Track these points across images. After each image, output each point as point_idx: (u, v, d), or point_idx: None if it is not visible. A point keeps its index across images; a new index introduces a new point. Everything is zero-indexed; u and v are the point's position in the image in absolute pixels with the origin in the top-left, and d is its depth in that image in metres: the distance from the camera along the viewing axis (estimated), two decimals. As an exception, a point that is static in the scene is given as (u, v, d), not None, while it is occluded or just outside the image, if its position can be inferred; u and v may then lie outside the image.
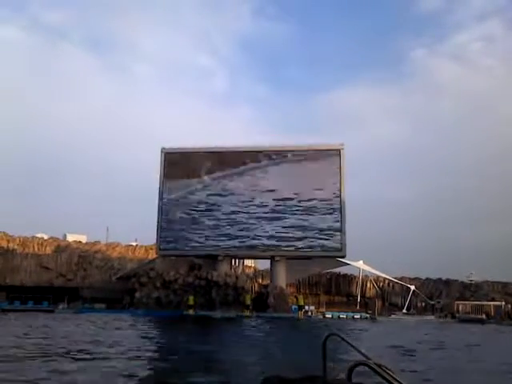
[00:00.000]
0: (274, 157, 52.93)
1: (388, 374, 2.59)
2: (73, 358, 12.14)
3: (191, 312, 44.51)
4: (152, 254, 55.95)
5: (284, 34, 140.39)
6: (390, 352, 15.46)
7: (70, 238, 61.64)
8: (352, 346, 3.35)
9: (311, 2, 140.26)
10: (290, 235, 50.48)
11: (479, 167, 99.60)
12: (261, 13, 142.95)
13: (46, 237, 59.30)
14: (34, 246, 55.80)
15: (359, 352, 3.18)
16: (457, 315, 48.37)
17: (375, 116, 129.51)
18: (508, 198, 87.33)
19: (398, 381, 2.56)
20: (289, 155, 52.82)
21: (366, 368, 2.68)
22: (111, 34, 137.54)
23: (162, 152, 54.23)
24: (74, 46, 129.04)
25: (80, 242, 60.43)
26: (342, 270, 56.43)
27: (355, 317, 46.08)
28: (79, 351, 13.67)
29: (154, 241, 53.12)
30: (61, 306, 46.10)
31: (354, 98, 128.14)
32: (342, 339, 3.48)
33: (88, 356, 12.70)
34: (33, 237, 57.89)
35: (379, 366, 2.63)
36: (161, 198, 52.89)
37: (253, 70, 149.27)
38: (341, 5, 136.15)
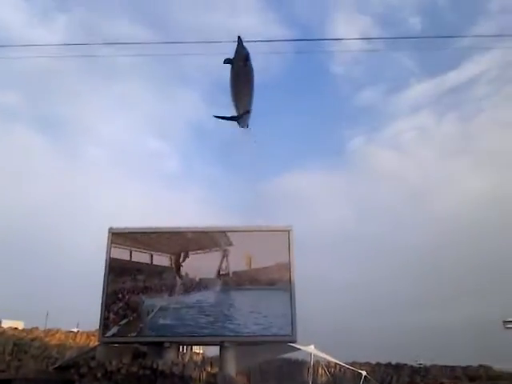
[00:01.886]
0: (223, 238, 53.18)
1: None
2: None
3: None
4: (94, 341, 52.99)
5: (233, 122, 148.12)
6: None
7: (6, 324, 57.70)
8: None
9: (260, 92, 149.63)
10: (239, 320, 49.53)
11: (420, 251, 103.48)
12: (213, 101, 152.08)
13: (-22, 324, 55.37)
14: (-36, 337, 51.75)
15: None
16: (409, 401, 47.94)
17: (322, 200, 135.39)
18: (451, 283, 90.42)
19: None
20: (234, 237, 53.17)
21: None
22: (63, 116, 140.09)
23: (109, 232, 53.26)
24: (24, 125, 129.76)
25: (16, 328, 56.61)
26: (293, 355, 55.21)
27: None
28: None
29: (97, 326, 50.56)
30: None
31: (301, 182, 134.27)
32: None
33: None
34: (-36, 324, 53.86)
35: None
36: (106, 281, 51.15)
37: (204, 154, 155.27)
38: (289, 95, 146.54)
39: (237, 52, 15.48)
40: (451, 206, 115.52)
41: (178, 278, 52.00)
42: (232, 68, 15.41)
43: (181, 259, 53.47)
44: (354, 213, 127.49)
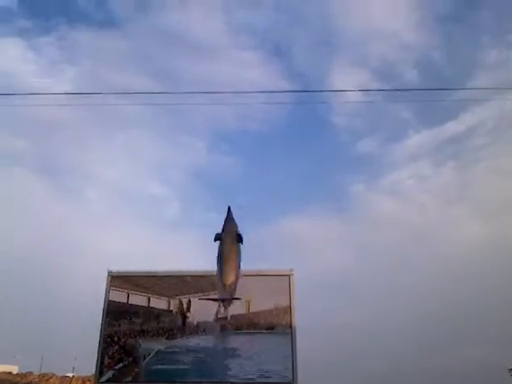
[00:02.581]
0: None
1: None
2: None
3: None
4: (90, 387, 51.55)
5: (235, 169, 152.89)
6: None
7: (0, 368, 56.45)
8: None
9: (262, 141, 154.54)
10: (239, 365, 48.51)
11: (420, 292, 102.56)
12: (215, 149, 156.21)
13: (-28, 368, 54.15)
14: (-44, 380, 50.35)
15: None
16: None
17: (321, 244, 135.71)
18: (453, 322, 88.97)
19: None
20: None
21: None
22: (66, 162, 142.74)
23: (108, 275, 52.90)
24: (25, 169, 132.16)
25: (10, 372, 55.24)
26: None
27: None
28: None
29: (93, 371, 49.37)
30: None
31: (301, 227, 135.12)
32: None
33: None
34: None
35: None
36: (104, 324, 50.45)
37: (204, 198, 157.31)
38: (290, 144, 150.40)
39: (226, 225, 13.98)
40: (450, 250, 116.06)
41: (179, 322, 51.40)
42: (220, 245, 13.85)
43: (185, 306, 53.05)
44: (355, 256, 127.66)
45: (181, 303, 53.62)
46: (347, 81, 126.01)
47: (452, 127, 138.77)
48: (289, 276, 54.39)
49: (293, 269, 55.19)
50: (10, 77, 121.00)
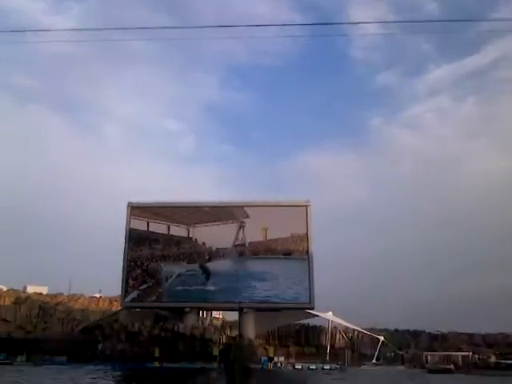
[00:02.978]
0: (240, 211, 53.77)
1: None
2: None
3: (157, 364, 42.96)
4: (116, 306, 54.28)
5: (248, 103, 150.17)
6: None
7: (31, 289, 59.27)
8: None
9: (275, 75, 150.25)
10: (258, 287, 50.41)
11: (439, 222, 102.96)
12: (227, 84, 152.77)
13: (4, 288, 56.88)
14: (-9, 298, 53.30)
15: None
16: (426, 365, 48.27)
17: (338, 178, 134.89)
18: (472, 251, 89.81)
19: None
20: (251, 211, 53.63)
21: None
22: (81, 98, 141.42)
23: (128, 206, 54.54)
24: (43, 106, 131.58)
25: (41, 293, 58.19)
26: (312, 321, 55.99)
27: (325, 367, 45.35)
28: None
29: (119, 292, 51.74)
30: (19, 359, 43.69)
31: (318, 160, 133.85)
32: None
33: None
34: (-10, 288, 55.40)
35: None
36: (126, 249, 52.37)
37: (219, 133, 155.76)
38: (304, 78, 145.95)
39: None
40: (470, 182, 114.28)
41: (199, 248, 53.10)
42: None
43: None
44: (372, 189, 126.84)
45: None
46: (365, 13, 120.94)
47: (474, 60, 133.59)
48: (306, 207, 55.31)
49: (309, 200, 55.91)
50: (19, 14, 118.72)
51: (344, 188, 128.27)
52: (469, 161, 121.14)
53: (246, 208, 53.79)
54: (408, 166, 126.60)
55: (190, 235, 55.16)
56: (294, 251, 53.11)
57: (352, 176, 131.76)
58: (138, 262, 53.07)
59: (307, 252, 52.83)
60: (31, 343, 46.52)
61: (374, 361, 50.33)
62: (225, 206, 54.64)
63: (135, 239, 53.63)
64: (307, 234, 53.39)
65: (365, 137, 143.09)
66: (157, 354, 44.28)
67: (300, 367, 45.20)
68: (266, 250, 52.88)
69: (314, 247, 52.94)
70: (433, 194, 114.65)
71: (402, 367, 47.56)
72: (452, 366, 47.62)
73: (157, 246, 54.15)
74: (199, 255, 53.58)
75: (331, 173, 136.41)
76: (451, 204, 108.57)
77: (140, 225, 54.79)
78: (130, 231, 53.74)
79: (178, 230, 55.34)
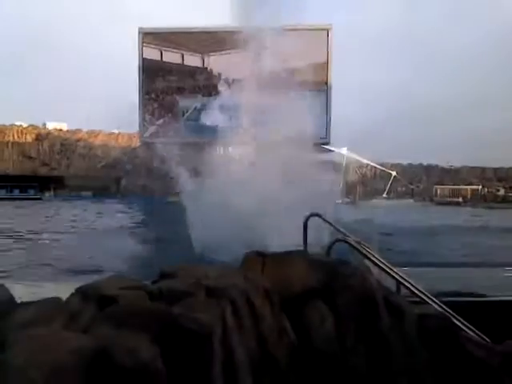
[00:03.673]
0: (256, 38, 49.98)
1: (366, 250, 2.66)
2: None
3: (177, 199, 45.48)
4: (135, 142, 55.25)
5: None
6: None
7: (50, 125, 59.82)
8: (332, 225, 3.42)
9: None
10: (273, 122, 49.67)
11: (474, 52, 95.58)
12: None
13: (24, 125, 57.60)
14: (13, 135, 54.45)
15: (339, 231, 3.23)
16: (434, 198, 50.10)
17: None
18: (489, 84, 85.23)
19: (374, 256, 2.64)
20: (268, 38, 49.78)
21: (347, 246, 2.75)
22: None
23: (139, 33, 50.95)
24: None
25: (61, 129, 58.91)
26: (326, 157, 56.77)
27: (336, 201, 47.42)
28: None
29: (136, 128, 52.15)
30: (47, 194, 46.47)
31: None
32: (323, 219, 3.50)
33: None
34: (11, 125, 56.25)
35: (358, 242, 2.71)
36: (141, 80, 50.87)
37: None
38: None
39: None
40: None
41: (210, 78, 50.91)
42: None
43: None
44: (404, 9, 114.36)
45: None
46: None
47: None
48: (327, 30, 50.54)
49: (331, 24, 50.81)
50: None
51: (371, 6, 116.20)
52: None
53: (263, 34, 50.03)
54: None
55: (205, 65, 52.71)
56: (313, 83, 50.74)
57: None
58: (153, 95, 52.07)
59: (326, 83, 50.60)
60: (57, 180, 49.20)
61: (384, 195, 52.31)
62: (240, 31, 50.90)
63: (148, 70, 51.54)
64: (327, 62, 50.37)
65: None
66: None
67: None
68: (284, 82, 50.55)
69: (335, 77, 50.43)
70: (472, 22, 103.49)
71: (411, 200, 49.40)
72: (460, 199, 49.36)
73: (171, 77, 52.25)
74: (214, 87, 51.94)
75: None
76: (491, 37, 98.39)
77: (153, 54, 52.17)
78: (143, 61, 51.55)
79: (192, 60, 52.70)
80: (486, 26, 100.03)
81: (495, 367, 2.16)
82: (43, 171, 51.92)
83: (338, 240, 2.82)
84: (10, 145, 52.67)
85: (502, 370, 2.17)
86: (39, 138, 55.85)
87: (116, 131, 60.88)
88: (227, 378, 1.48)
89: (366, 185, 55.84)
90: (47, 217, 24.51)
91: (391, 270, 2.60)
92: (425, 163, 58.13)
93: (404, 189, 54.43)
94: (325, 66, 49.66)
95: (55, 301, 1.61)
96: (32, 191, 45.83)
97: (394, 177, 53.56)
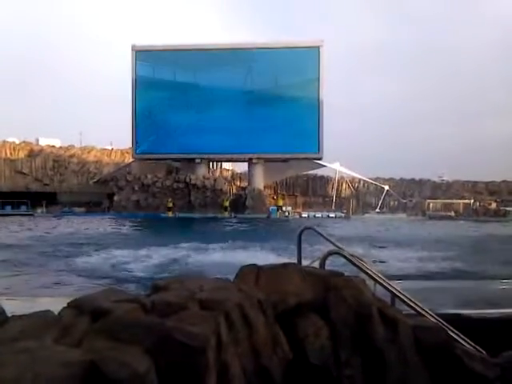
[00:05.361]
0: (248, 55, 50.49)
1: (360, 262, 2.65)
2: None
3: (170, 214, 45.52)
4: (128, 158, 55.36)
5: None
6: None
7: (43, 142, 59.73)
8: (325, 238, 3.39)
9: None
10: (266, 137, 49.87)
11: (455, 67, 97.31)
12: None
13: (17, 141, 57.49)
14: (5, 151, 54.25)
15: (333, 244, 3.22)
16: (427, 213, 50.34)
17: (353, 11, 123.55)
18: (480, 98, 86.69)
19: (369, 269, 2.62)
20: (260, 55, 50.29)
21: (341, 258, 2.73)
22: None
23: (132, 50, 51.56)
24: None
25: (53, 146, 58.85)
26: (319, 172, 57.16)
27: (330, 215, 47.66)
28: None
29: (130, 144, 52.34)
30: (40, 211, 46.13)
31: None
32: (317, 232, 3.49)
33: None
34: (4, 141, 55.99)
35: (352, 255, 2.69)
36: (135, 100, 51.20)
37: None
38: None
39: None
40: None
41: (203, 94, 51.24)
42: None
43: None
44: (389, 21, 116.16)
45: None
46: None
47: None
48: (318, 47, 51.22)
49: (323, 40, 51.58)
50: None
51: (360, 25, 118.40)
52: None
53: (254, 51, 50.67)
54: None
55: (197, 81, 53.10)
56: (304, 98, 51.24)
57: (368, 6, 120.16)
58: (146, 113, 52.34)
59: (317, 99, 51.16)
60: (49, 196, 48.83)
61: (377, 209, 52.54)
62: (232, 48, 51.40)
63: (142, 87, 51.99)
64: (319, 78, 51.03)
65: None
66: (170, 204, 46.56)
67: (306, 215, 47.59)
68: (275, 97, 50.94)
69: (325, 94, 51.12)
70: (461, 23, 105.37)
71: (403, 215, 49.63)
72: (452, 213, 49.63)
73: (165, 93, 52.56)
74: (207, 104, 52.17)
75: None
76: (490, 40, 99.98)
77: (146, 71, 52.73)
78: (136, 78, 51.96)
79: (184, 77, 53.18)
80: (476, 43, 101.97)
81: (492, 380, 2.15)
82: (35, 187, 51.61)
83: (332, 252, 2.80)
84: (1, 161, 52.44)
85: (499, 382, 2.17)
86: (32, 153, 55.73)
87: (109, 147, 60.92)
88: (222, 392, 1.47)
89: (359, 199, 56.11)
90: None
91: (386, 282, 2.60)
92: (417, 178, 58.59)
93: (396, 203, 54.71)
94: (315, 83, 50.35)
95: (47, 314, 1.60)
96: (24, 207, 45.57)
97: (387, 191, 53.86)
